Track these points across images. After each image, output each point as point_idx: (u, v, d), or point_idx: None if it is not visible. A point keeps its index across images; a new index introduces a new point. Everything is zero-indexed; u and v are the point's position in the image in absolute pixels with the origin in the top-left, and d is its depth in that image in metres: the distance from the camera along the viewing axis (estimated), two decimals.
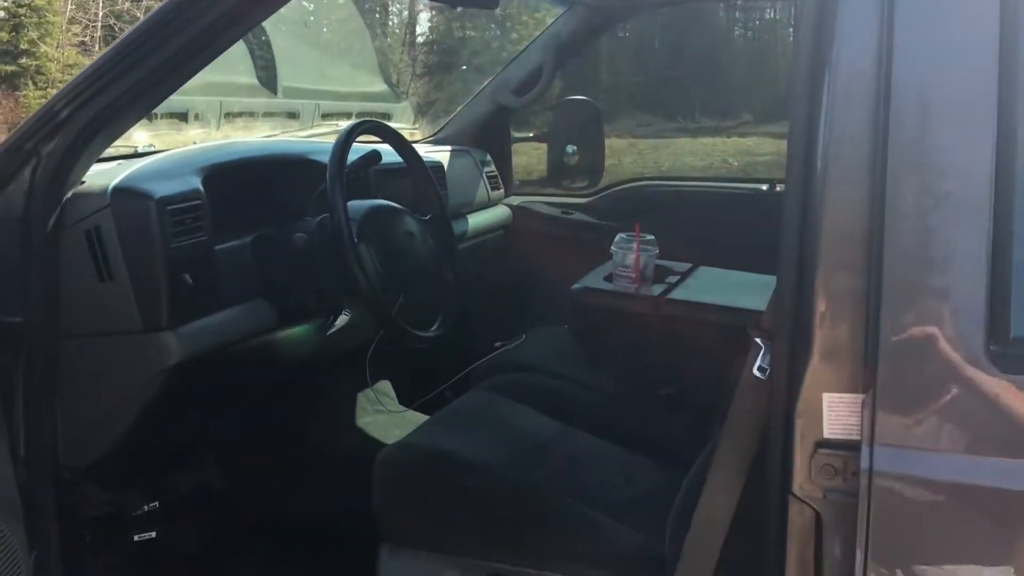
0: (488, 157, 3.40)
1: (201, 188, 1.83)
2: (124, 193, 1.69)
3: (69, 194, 1.68)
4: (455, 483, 1.75)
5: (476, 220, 3.16)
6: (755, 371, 1.38)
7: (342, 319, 2.42)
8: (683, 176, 3.35)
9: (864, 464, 1.16)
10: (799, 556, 1.30)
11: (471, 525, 1.75)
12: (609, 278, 2.39)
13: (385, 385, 3.12)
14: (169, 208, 1.71)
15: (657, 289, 2.31)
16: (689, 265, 2.54)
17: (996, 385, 1.14)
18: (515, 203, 3.46)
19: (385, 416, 2.86)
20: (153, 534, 2.05)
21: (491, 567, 1.74)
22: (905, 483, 1.15)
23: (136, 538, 2.03)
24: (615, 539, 1.69)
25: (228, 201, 2.08)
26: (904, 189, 1.16)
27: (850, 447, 1.22)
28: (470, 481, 1.74)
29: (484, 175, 3.31)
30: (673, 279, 2.40)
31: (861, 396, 1.19)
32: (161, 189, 1.73)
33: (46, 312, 1.66)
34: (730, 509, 1.48)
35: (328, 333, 2.37)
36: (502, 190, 3.42)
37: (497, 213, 3.35)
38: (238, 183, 2.09)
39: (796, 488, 1.27)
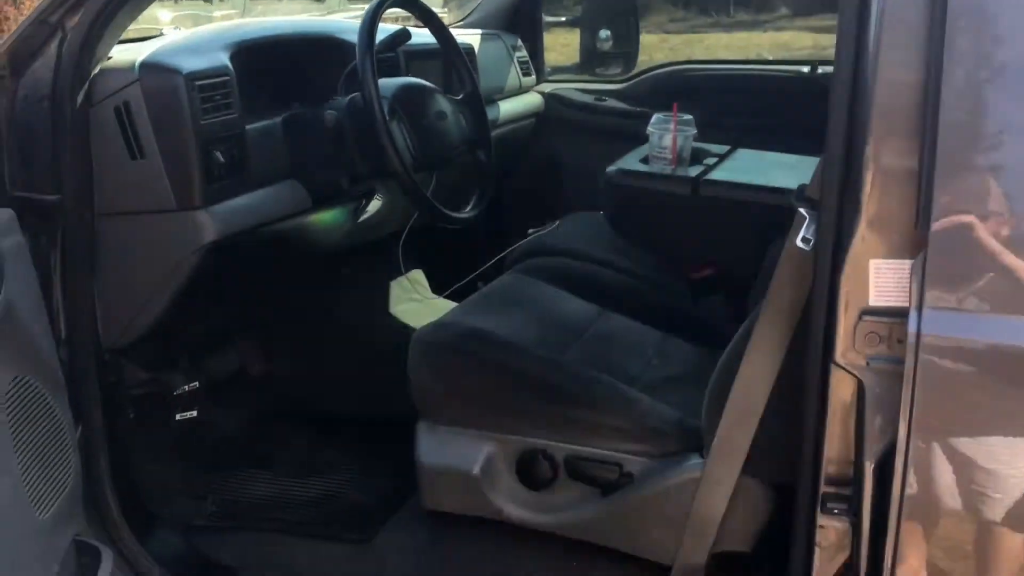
0: (519, 42, 3.30)
1: (229, 65, 1.80)
2: (152, 68, 1.66)
3: (96, 69, 1.65)
4: (490, 360, 1.75)
5: (507, 107, 3.09)
6: (798, 242, 1.35)
7: (374, 203, 2.40)
8: (721, 59, 3.22)
9: (912, 328, 1.14)
10: (840, 427, 1.30)
11: (506, 402, 1.76)
12: (645, 160, 2.34)
13: (418, 274, 3.12)
14: (198, 83, 1.68)
15: (694, 170, 2.26)
16: (727, 147, 2.48)
17: None
18: (547, 90, 3.38)
19: (418, 304, 2.87)
20: (195, 413, 2.09)
21: (527, 443, 1.76)
22: (953, 347, 1.13)
23: (178, 417, 2.07)
24: (651, 415, 1.69)
25: (257, 80, 2.04)
26: (960, 58, 1.11)
27: (896, 314, 1.19)
28: (505, 358, 1.74)
29: (515, 60, 3.23)
30: (711, 161, 2.35)
31: (910, 261, 1.16)
32: (189, 64, 1.69)
33: (80, 190, 1.65)
34: (769, 382, 1.47)
35: (360, 219, 2.36)
36: (533, 76, 3.33)
37: (528, 100, 3.27)
38: (267, 62, 2.04)
39: (839, 357, 1.25)
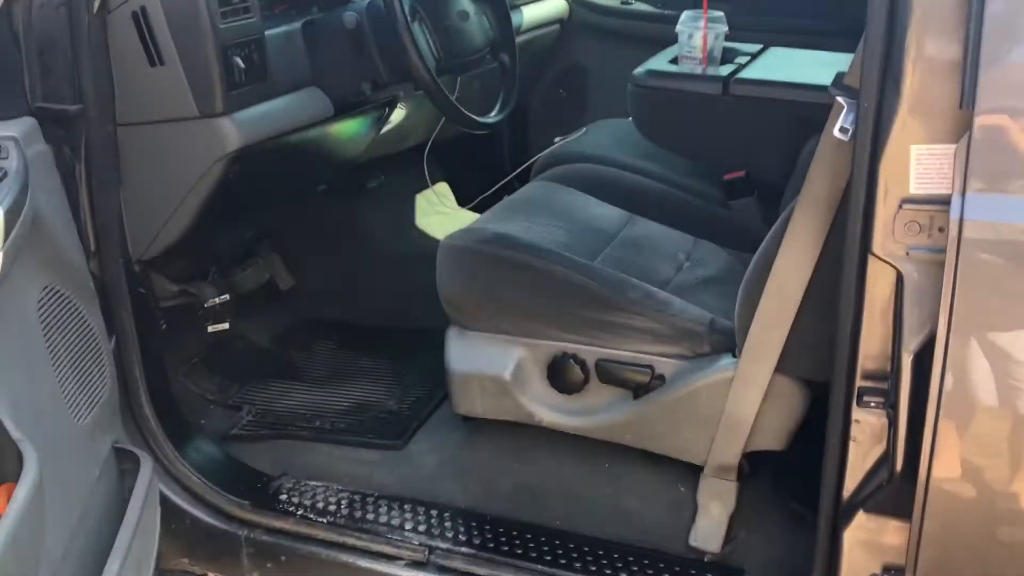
0: None
1: None
2: None
3: None
4: (518, 264, 1.73)
5: (531, 12, 3.00)
6: (836, 132, 1.31)
7: (398, 113, 2.37)
8: None
9: (955, 214, 1.10)
10: (878, 320, 1.27)
11: (535, 306, 1.75)
12: (675, 61, 2.27)
13: (443, 186, 3.09)
14: None
15: (725, 69, 2.19)
16: (760, 46, 2.40)
17: None
18: None
19: (444, 216, 2.85)
20: (226, 325, 2.10)
21: (557, 347, 1.75)
22: (996, 233, 1.09)
23: (210, 329, 2.09)
24: (682, 316, 1.68)
25: None
26: None
27: (937, 201, 1.16)
28: (532, 261, 1.72)
29: None
30: (743, 60, 2.27)
31: (953, 146, 1.12)
32: None
33: (101, 99, 1.63)
34: (804, 278, 1.45)
35: (383, 129, 2.32)
36: None
37: (552, 5, 3.17)
38: None
39: (877, 247, 1.22)
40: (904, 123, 1.16)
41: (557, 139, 2.59)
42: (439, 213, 2.90)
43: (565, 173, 2.22)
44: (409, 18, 1.80)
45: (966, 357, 1.14)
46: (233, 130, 1.69)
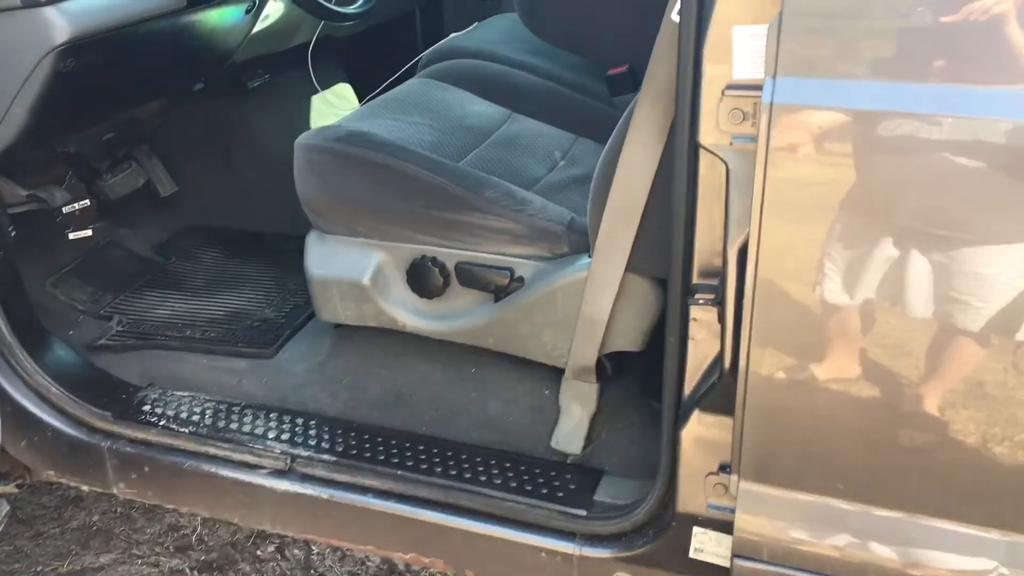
0: None
1: None
2: None
3: None
4: (370, 163, 1.66)
5: None
6: (674, 15, 1.24)
7: (275, 7, 2.24)
8: None
9: (766, 98, 1.05)
10: (710, 215, 1.23)
11: (391, 207, 1.68)
12: None
13: (344, 88, 2.98)
14: None
15: None
16: None
17: None
18: None
19: (340, 117, 2.74)
20: (89, 232, 2.02)
21: (416, 250, 1.69)
22: (806, 117, 1.04)
23: (71, 236, 2.00)
24: (540, 215, 1.62)
25: None
26: None
27: (759, 87, 1.10)
28: (386, 160, 1.65)
29: None
30: None
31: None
32: None
33: None
34: (649, 173, 1.39)
35: (260, 25, 2.20)
36: None
37: None
38: None
39: (704, 137, 1.17)
40: (725, 3, 1.09)
41: (452, 35, 2.48)
42: (335, 115, 2.80)
43: (448, 69, 2.12)
44: None
45: (777, 249, 1.10)
46: (60, 20, 1.57)
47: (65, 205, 1.94)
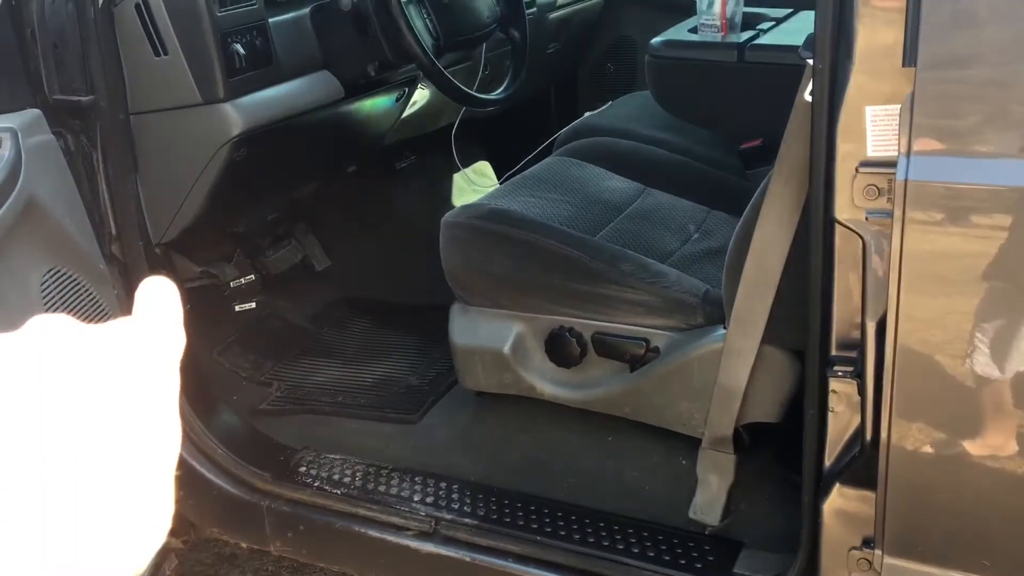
0: None
1: None
2: None
3: None
4: (511, 239, 1.75)
5: None
6: (807, 95, 1.28)
7: (421, 93, 2.40)
8: None
9: (900, 176, 1.07)
10: (848, 288, 1.24)
11: (531, 280, 1.76)
12: (694, 30, 2.23)
13: (483, 165, 3.12)
14: None
15: (744, 36, 2.14)
16: (789, 10, 2.34)
17: None
18: None
19: (481, 194, 2.87)
20: (253, 305, 2.18)
21: (554, 321, 1.76)
22: (943, 192, 1.05)
23: (236, 308, 2.17)
24: (675, 287, 1.66)
25: None
26: None
27: (893, 164, 1.12)
28: (526, 236, 1.73)
29: None
30: (766, 25, 2.22)
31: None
32: None
33: (112, 90, 1.71)
34: (783, 246, 1.42)
35: (409, 110, 2.36)
36: None
37: None
38: None
39: (840, 213, 1.19)
40: (858, 84, 1.13)
41: (587, 114, 2.58)
42: (475, 191, 2.93)
43: (581, 147, 2.21)
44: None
45: (918, 322, 1.10)
46: (235, 115, 1.75)
47: (233, 280, 2.11)
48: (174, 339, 0.41)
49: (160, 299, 0.41)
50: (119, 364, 0.37)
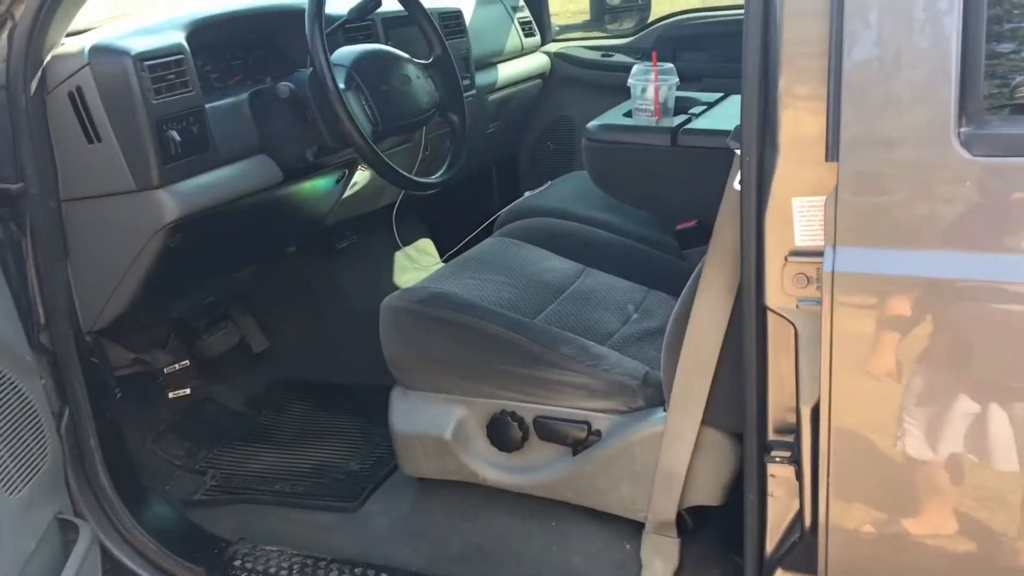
0: (521, 2, 3.25)
1: (184, 43, 1.80)
2: (101, 51, 1.68)
3: (48, 57, 1.67)
4: (451, 323, 1.74)
5: (508, 70, 3.05)
6: (736, 184, 1.31)
7: (361, 175, 2.41)
8: (728, 5, 3.16)
9: (827, 267, 1.09)
10: (782, 373, 1.26)
11: (471, 364, 1.75)
12: (629, 114, 2.28)
13: (426, 243, 3.13)
14: (148, 64, 1.69)
15: (677, 120, 2.19)
16: (720, 95, 2.40)
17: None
18: (553, 50, 3.33)
19: (423, 272, 2.87)
20: (187, 391, 2.13)
21: (495, 405, 1.74)
22: (868, 283, 1.08)
23: (171, 395, 2.11)
24: (615, 369, 1.66)
25: (223, 57, 2.05)
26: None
27: (820, 253, 1.15)
28: (466, 320, 1.72)
29: (516, 21, 3.18)
30: (698, 109, 2.28)
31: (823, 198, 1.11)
32: (139, 45, 1.70)
33: (43, 177, 1.68)
34: (719, 329, 1.43)
35: (349, 192, 2.36)
36: (537, 36, 3.28)
37: (533, 61, 3.22)
38: (229, 38, 2.05)
39: (770, 300, 1.21)
40: (784, 174, 1.16)
41: (527, 193, 2.61)
42: (416, 269, 2.93)
43: (522, 228, 2.23)
44: (345, 85, 1.84)
45: (851, 407, 1.12)
46: (170, 201, 1.73)
47: (167, 366, 2.07)
48: None
49: None
50: None
